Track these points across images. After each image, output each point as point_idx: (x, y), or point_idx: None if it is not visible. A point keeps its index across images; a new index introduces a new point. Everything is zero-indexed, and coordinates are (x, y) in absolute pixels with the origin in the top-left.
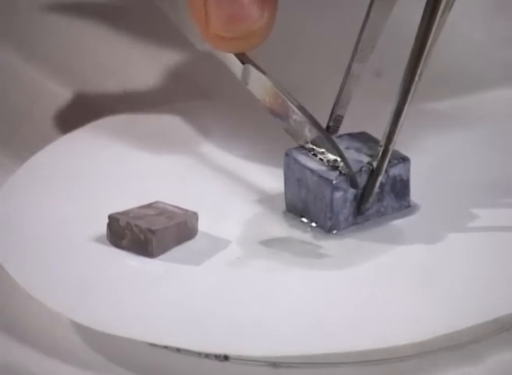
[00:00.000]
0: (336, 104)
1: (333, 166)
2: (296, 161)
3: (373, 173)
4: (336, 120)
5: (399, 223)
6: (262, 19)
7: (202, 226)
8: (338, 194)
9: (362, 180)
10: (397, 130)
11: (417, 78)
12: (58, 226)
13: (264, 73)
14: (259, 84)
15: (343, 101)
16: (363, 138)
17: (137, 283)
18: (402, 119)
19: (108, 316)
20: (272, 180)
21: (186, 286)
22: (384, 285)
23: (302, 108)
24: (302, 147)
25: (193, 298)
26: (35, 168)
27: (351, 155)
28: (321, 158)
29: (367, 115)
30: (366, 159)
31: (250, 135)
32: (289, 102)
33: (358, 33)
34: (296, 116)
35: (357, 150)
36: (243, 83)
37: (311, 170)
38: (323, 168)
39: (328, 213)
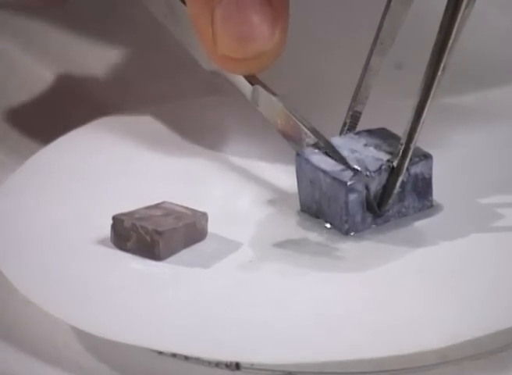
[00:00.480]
0: (353, 100)
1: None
2: (308, 161)
3: (393, 173)
4: (353, 117)
5: (421, 224)
6: (274, 38)
7: (212, 227)
8: (353, 197)
9: (382, 179)
10: (419, 128)
11: (440, 72)
12: (59, 227)
13: (274, 94)
14: (270, 106)
15: (361, 97)
16: (382, 135)
17: (143, 287)
18: (424, 116)
19: (113, 322)
20: (286, 178)
21: (196, 290)
22: (404, 289)
23: (315, 131)
24: (314, 145)
25: (202, 303)
26: (36, 167)
27: (370, 152)
28: (334, 158)
29: (386, 110)
30: (386, 157)
31: (263, 132)
32: (301, 125)
33: (378, 25)
34: (309, 138)
35: (377, 147)
36: (254, 104)
37: (324, 172)
38: (336, 169)
39: (344, 216)
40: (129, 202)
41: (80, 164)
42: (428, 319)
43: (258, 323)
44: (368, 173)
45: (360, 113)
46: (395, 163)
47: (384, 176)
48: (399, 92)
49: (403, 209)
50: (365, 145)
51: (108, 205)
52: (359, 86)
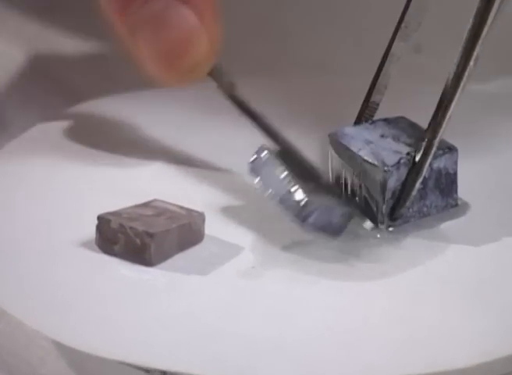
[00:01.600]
0: (371, 89)
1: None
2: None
3: (413, 170)
4: (370, 108)
5: (444, 225)
6: (205, 44)
7: (209, 229)
8: None
9: (401, 174)
10: (445, 123)
11: (472, 62)
12: (37, 228)
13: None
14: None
15: (380, 86)
16: (401, 124)
17: (131, 296)
18: (452, 109)
19: (97, 336)
20: None
21: (191, 300)
22: (425, 300)
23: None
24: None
25: (198, 315)
26: (9, 158)
27: (388, 144)
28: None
29: (404, 96)
30: (405, 149)
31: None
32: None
33: (404, 6)
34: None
35: (395, 138)
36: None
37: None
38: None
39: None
40: (117, 201)
41: (59, 156)
42: (452, 334)
43: (262, 338)
44: (385, 168)
45: (377, 104)
46: (417, 157)
47: (403, 171)
48: (417, 76)
49: (425, 209)
50: (382, 136)
51: (93, 203)
52: (378, 74)
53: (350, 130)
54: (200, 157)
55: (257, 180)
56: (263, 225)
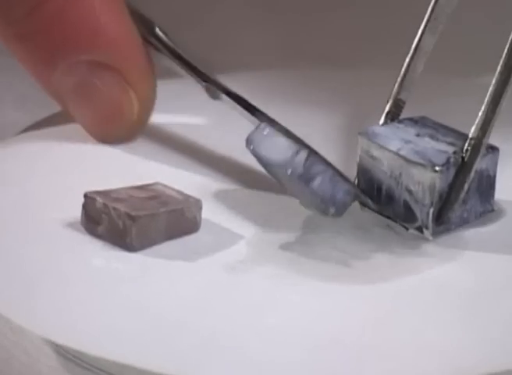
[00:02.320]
0: (398, 86)
1: None
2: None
3: (461, 171)
4: (396, 105)
5: (476, 232)
6: (136, 106)
7: (208, 217)
8: None
9: (449, 175)
10: (493, 121)
11: None
12: (22, 205)
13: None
14: None
15: (408, 83)
16: (429, 123)
17: (101, 285)
18: (502, 104)
19: (51, 320)
20: None
21: (161, 293)
22: (424, 311)
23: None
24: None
25: (164, 309)
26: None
27: (427, 143)
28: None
29: (425, 92)
30: (450, 149)
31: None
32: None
33: None
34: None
35: (433, 137)
36: None
37: None
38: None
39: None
40: (117, 181)
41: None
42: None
43: (234, 337)
44: (436, 168)
45: (404, 102)
46: (466, 157)
47: (452, 171)
48: (437, 70)
49: (465, 214)
50: (418, 135)
51: (85, 183)
52: (406, 70)
53: (381, 129)
54: (201, 143)
55: (257, 150)
56: (267, 216)
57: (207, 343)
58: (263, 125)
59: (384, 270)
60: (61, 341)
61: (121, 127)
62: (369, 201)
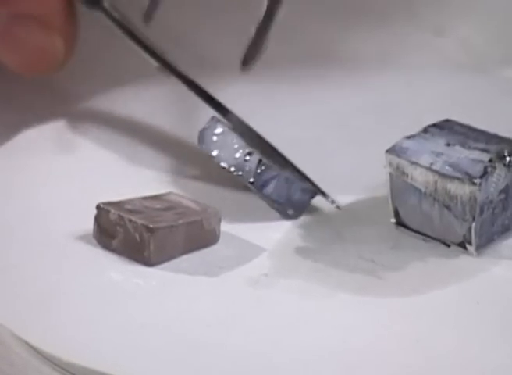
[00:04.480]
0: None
1: None
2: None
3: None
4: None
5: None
6: (60, 47)
7: (227, 228)
8: None
9: (488, 185)
10: None
11: None
12: (30, 217)
13: None
14: None
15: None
16: (456, 128)
17: (121, 302)
18: None
19: (65, 339)
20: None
21: (184, 310)
22: (452, 325)
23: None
24: None
25: (189, 328)
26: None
27: (459, 152)
28: None
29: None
30: (485, 157)
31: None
32: None
33: None
34: None
35: (464, 145)
36: None
37: None
38: None
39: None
40: (127, 191)
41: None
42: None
43: (261, 356)
44: (474, 181)
45: None
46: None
47: (490, 182)
48: (440, 63)
49: (506, 221)
50: (448, 145)
51: (96, 193)
52: None
53: (409, 143)
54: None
55: (207, 149)
56: (287, 226)
57: (235, 363)
58: (214, 120)
59: (416, 281)
60: (83, 362)
61: (48, 67)
62: (332, 199)
